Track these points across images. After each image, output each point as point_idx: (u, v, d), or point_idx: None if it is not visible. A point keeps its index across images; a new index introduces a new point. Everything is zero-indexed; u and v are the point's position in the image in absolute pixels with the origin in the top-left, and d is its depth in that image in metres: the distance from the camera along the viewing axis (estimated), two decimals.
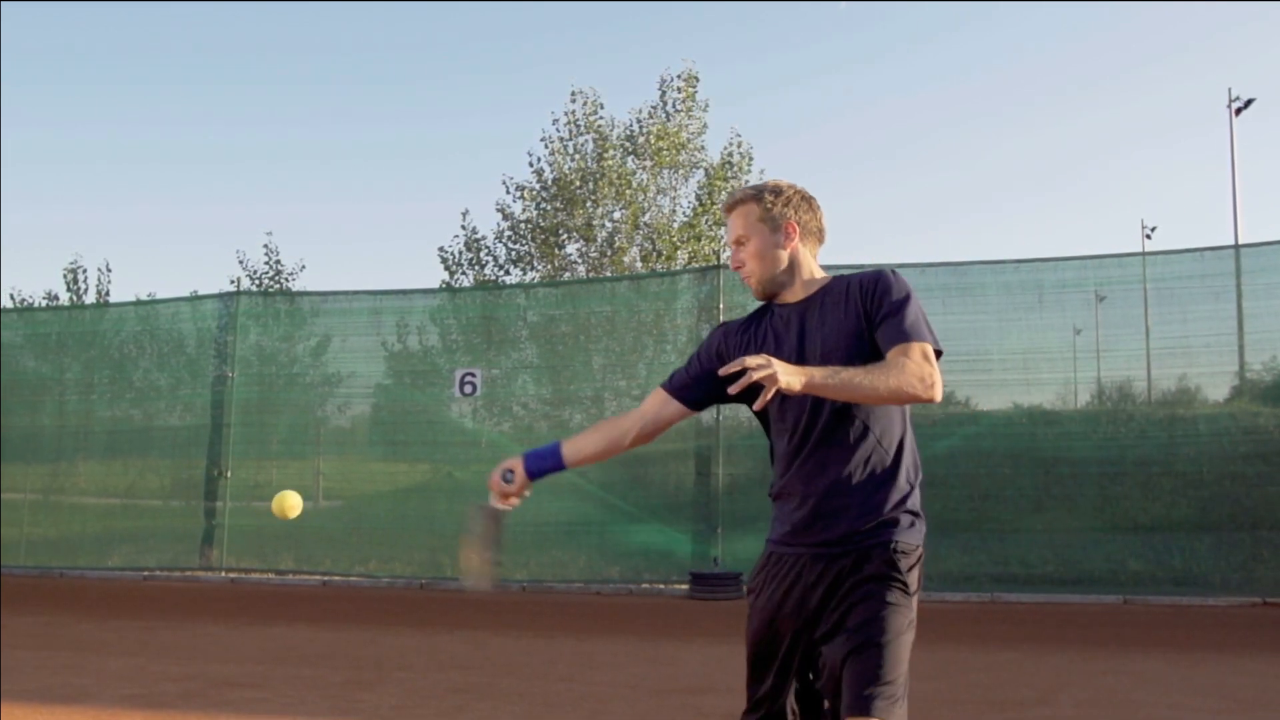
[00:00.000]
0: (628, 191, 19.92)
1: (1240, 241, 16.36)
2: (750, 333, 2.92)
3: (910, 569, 2.76)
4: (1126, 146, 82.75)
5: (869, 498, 2.77)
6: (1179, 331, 10.74)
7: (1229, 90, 33.26)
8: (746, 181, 20.55)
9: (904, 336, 2.70)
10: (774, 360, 2.49)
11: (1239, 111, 32.92)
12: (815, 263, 2.95)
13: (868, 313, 2.77)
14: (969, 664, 7.37)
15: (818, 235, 2.96)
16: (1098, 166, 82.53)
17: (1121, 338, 11.04)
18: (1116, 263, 11.05)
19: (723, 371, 2.55)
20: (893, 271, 2.83)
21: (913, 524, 2.81)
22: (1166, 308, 10.86)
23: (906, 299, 2.76)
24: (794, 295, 2.89)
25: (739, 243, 2.91)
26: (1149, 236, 41.27)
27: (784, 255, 2.88)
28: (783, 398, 2.76)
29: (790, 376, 2.49)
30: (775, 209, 2.89)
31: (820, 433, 2.79)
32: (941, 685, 6.64)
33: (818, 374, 2.55)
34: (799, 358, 2.76)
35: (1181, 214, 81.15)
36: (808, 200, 2.95)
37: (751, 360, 2.47)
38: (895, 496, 2.80)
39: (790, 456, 2.85)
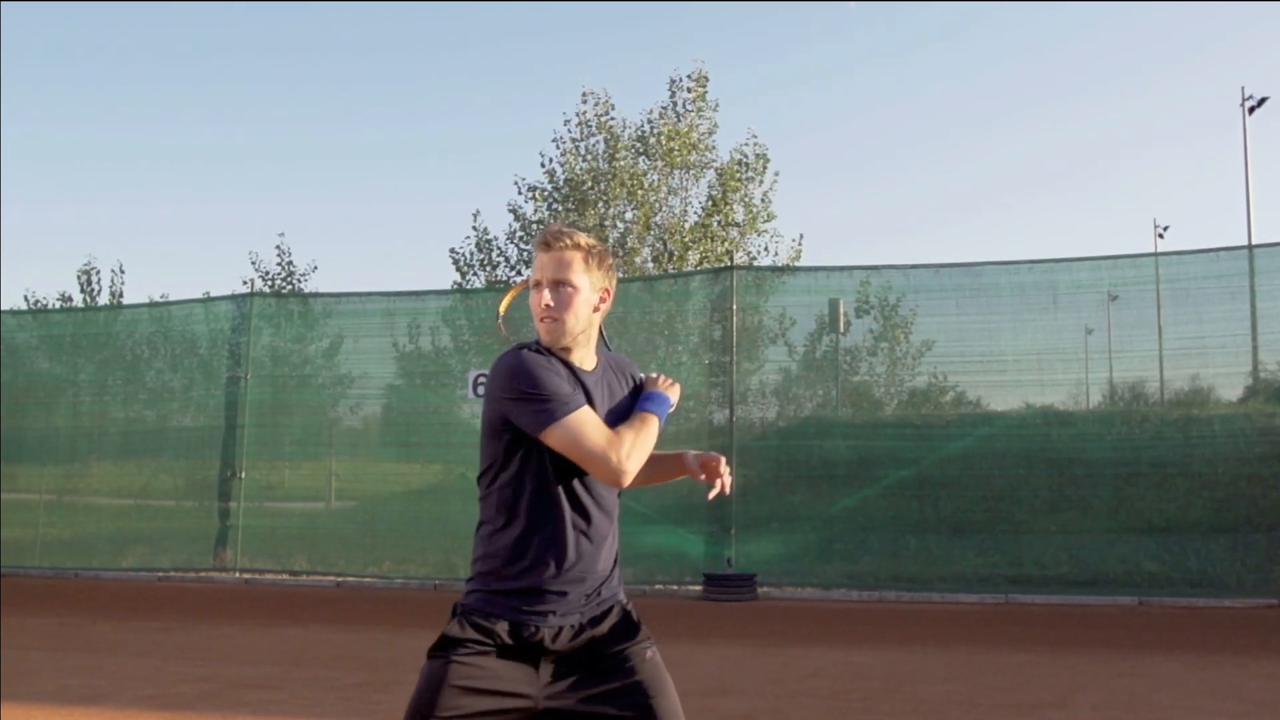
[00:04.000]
0: (639, 192, 19.92)
1: (1254, 241, 16.29)
2: (579, 380, 2.77)
3: (641, 619, 2.82)
4: (1139, 146, 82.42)
5: (610, 551, 2.79)
6: (1194, 332, 10.70)
7: (1242, 89, 33.12)
8: (760, 184, 20.53)
9: None
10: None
11: (1252, 110, 32.75)
12: None
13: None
14: (984, 666, 7.35)
15: (608, 312, 2.91)
16: (1111, 166, 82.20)
17: (1136, 338, 11.00)
18: (1131, 263, 11.02)
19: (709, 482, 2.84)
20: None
21: (621, 579, 2.89)
22: (1180, 308, 10.82)
23: None
24: (585, 360, 2.81)
25: (559, 284, 2.73)
26: (1161, 236, 41.07)
27: (592, 318, 2.79)
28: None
29: None
30: (601, 269, 2.81)
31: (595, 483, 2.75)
32: (957, 687, 6.63)
33: None
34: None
35: (1194, 214, 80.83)
36: (616, 273, 2.93)
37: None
38: (616, 549, 2.85)
39: (560, 503, 2.70)
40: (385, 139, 60.64)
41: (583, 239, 2.78)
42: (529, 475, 2.69)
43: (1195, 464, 10.64)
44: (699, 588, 11.15)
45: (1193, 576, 10.34)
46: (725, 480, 2.80)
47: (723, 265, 15.03)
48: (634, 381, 2.91)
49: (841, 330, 11.87)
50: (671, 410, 2.84)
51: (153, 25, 56.33)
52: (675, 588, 11.47)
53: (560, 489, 2.69)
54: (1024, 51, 71.05)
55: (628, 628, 2.76)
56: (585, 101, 20.91)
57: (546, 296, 2.71)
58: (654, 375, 2.90)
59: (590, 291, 2.76)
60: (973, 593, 10.57)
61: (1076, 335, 11.16)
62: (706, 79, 20.86)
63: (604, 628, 2.73)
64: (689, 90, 20.74)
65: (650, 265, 19.92)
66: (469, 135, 57.95)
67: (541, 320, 2.72)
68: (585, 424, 2.63)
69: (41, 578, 12.94)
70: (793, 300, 12.24)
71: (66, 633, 8.95)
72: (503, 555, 2.69)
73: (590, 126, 20.81)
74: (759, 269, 15.36)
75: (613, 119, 20.78)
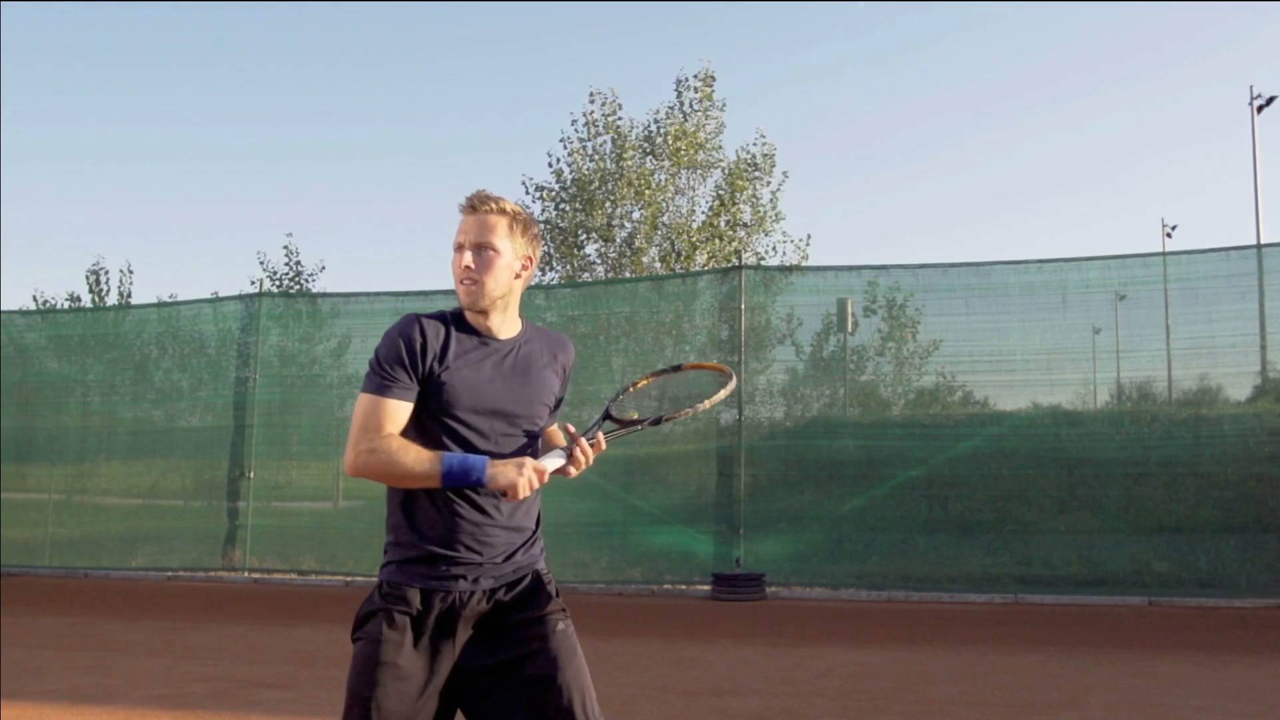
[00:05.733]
0: (647, 192, 19.92)
1: (1262, 241, 16.23)
2: (456, 350, 2.76)
3: (558, 592, 2.85)
4: (1148, 145, 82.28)
5: (525, 516, 2.82)
6: (1204, 331, 10.67)
7: (1251, 88, 33.09)
8: (768, 185, 20.53)
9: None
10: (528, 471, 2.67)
11: (1261, 110, 32.69)
12: None
13: (562, 381, 2.95)
14: (995, 666, 7.34)
15: (530, 279, 2.94)
16: (1119, 166, 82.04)
17: (1146, 338, 10.97)
18: (1141, 262, 11.00)
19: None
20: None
21: (544, 549, 2.92)
22: (1190, 308, 10.80)
23: None
24: (502, 329, 2.83)
25: (480, 247, 2.75)
26: (1169, 235, 40.98)
27: (513, 284, 2.82)
28: (486, 409, 2.75)
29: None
30: (525, 237, 2.83)
31: (503, 447, 2.78)
32: (968, 687, 6.62)
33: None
34: (516, 400, 2.78)
35: (1203, 213, 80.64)
36: (541, 242, 2.95)
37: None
38: (535, 517, 2.89)
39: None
40: (392, 139, 60.83)
41: (508, 205, 2.82)
42: (427, 443, 2.72)
43: (1205, 464, 10.61)
44: (707, 587, 11.15)
45: (1203, 577, 10.32)
46: (576, 459, 2.75)
47: (731, 265, 15.01)
48: (561, 367, 2.92)
49: (850, 330, 11.86)
50: (494, 488, 2.66)
51: (161, 25, 56.48)
52: (684, 587, 11.47)
53: (458, 438, 2.73)
54: (1032, 51, 70.97)
55: (541, 596, 2.79)
56: (593, 101, 20.97)
57: (467, 259, 2.75)
58: (520, 460, 2.69)
59: (512, 257, 2.80)
60: (982, 593, 10.55)
61: (1086, 335, 11.15)
62: (713, 79, 20.92)
63: (517, 594, 2.77)
64: (696, 90, 20.76)
65: (658, 265, 19.92)
66: (477, 135, 58.09)
67: (461, 282, 2.76)
68: (371, 411, 2.69)
69: (51, 577, 12.98)
70: (801, 300, 12.22)
71: (77, 632, 8.97)
72: (409, 525, 2.75)
73: (598, 126, 20.84)
74: (767, 269, 15.33)
75: (620, 119, 20.81)
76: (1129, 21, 71.98)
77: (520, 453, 2.79)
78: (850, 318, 11.82)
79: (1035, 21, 69.26)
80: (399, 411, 2.70)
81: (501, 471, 2.63)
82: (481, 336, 2.80)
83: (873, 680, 6.90)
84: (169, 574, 12.91)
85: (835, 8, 59.32)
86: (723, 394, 3.01)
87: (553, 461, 2.73)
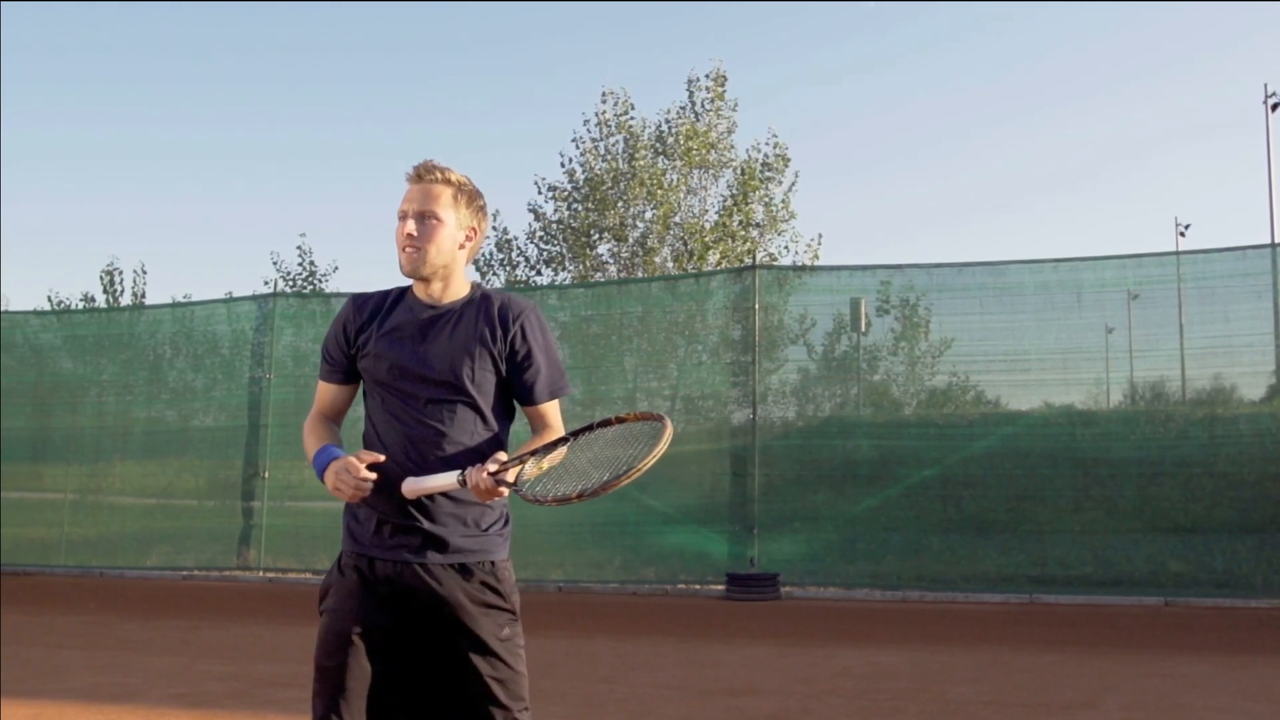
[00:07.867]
0: (659, 191, 19.90)
1: (1277, 239, 16.14)
2: (383, 319, 2.82)
3: (512, 590, 2.80)
4: (1161, 145, 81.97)
5: (474, 501, 2.74)
6: (1219, 330, 10.64)
7: (1265, 86, 32.90)
8: (780, 184, 20.50)
9: (551, 392, 2.91)
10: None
11: (1275, 108, 32.54)
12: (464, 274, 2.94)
13: (507, 341, 2.81)
14: (1011, 666, 7.32)
15: (476, 250, 2.95)
16: (1133, 165, 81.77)
17: (1161, 337, 10.95)
18: (1155, 261, 10.97)
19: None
20: (534, 305, 2.91)
21: (506, 538, 2.85)
22: (1205, 306, 10.76)
23: (549, 340, 2.91)
24: (445, 296, 2.84)
25: (424, 215, 2.77)
26: (1183, 234, 40.84)
27: (456, 254, 2.82)
28: (400, 370, 2.75)
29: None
30: (470, 208, 2.85)
31: (431, 414, 2.74)
32: (984, 688, 6.61)
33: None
34: (428, 359, 2.75)
35: (1216, 212, 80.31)
36: (487, 215, 2.96)
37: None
38: (497, 506, 2.81)
39: (396, 446, 2.72)
40: (405, 139, 60.74)
41: (454, 175, 2.84)
42: (373, 419, 2.83)
43: (1220, 463, 10.58)
44: (722, 587, 11.14)
45: (1219, 577, 10.28)
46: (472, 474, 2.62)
47: (744, 265, 15.00)
48: (504, 325, 2.80)
49: (863, 330, 11.84)
50: (328, 488, 2.68)
51: (173, 24, 56.62)
52: (698, 587, 11.46)
53: (398, 431, 2.74)
54: (1044, 50, 70.72)
55: (489, 592, 2.74)
56: (605, 101, 20.95)
57: (410, 226, 2.78)
58: (342, 468, 2.65)
59: (456, 227, 2.82)
60: (997, 593, 10.52)
61: (1100, 334, 11.12)
62: (725, 78, 20.86)
63: (470, 582, 2.72)
64: (707, 90, 20.74)
65: (670, 265, 19.91)
66: (489, 134, 58.04)
67: (403, 250, 2.78)
68: (316, 394, 2.98)
69: (67, 576, 13.04)
70: (814, 300, 12.22)
71: (95, 631, 9.01)
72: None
73: (610, 126, 20.82)
74: (780, 268, 15.30)
75: (632, 119, 20.79)
76: (1142, 20, 71.75)
77: (463, 426, 2.74)
78: (864, 317, 11.80)
79: (1046, 20, 69.07)
80: (325, 393, 2.94)
81: (328, 474, 2.68)
82: (421, 304, 2.84)
83: (888, 680, 6.89)
84: (184, 573, 12.96)
85: (847, 7, 59.23)
86: (651, 458, 2.75)
87: (436, 482, 2.64)
